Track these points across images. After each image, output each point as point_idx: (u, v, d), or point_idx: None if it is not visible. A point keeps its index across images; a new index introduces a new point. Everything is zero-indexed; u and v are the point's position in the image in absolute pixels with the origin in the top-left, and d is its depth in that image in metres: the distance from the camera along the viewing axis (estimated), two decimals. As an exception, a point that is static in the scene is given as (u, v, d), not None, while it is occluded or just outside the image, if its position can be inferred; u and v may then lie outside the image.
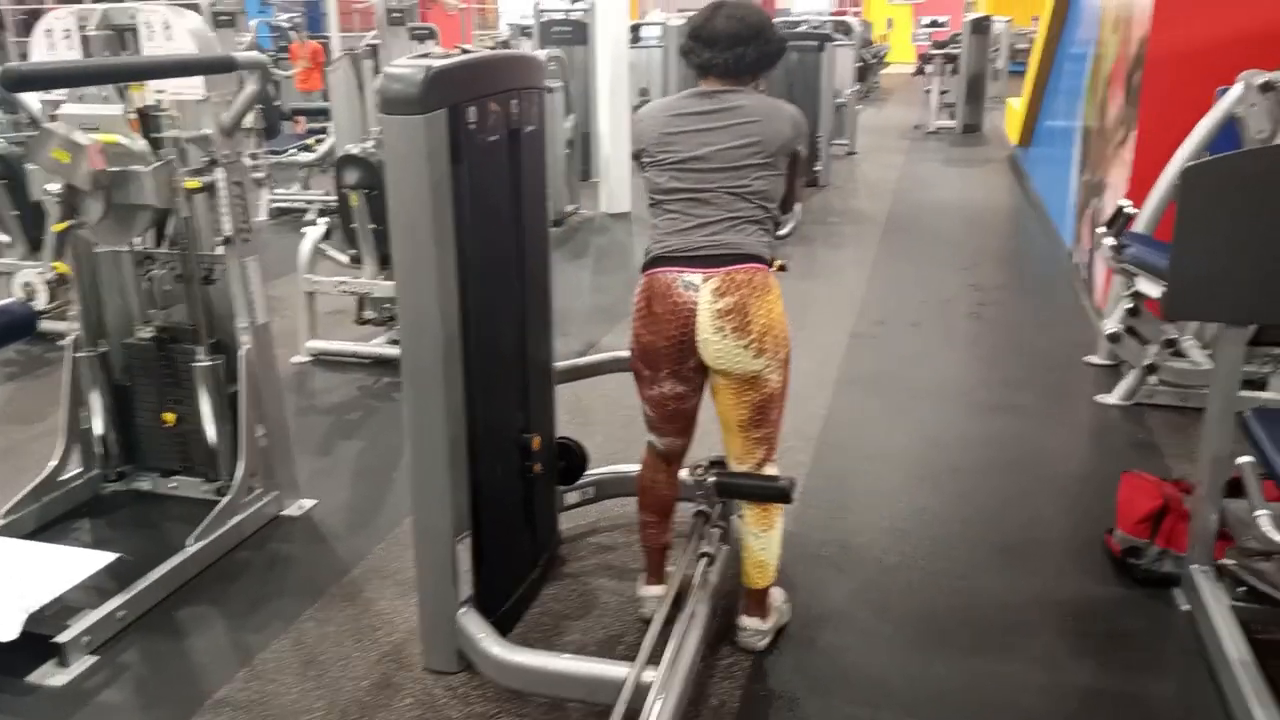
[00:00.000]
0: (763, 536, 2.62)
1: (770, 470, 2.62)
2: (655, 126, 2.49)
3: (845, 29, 12.02)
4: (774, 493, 2.56)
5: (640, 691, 2.20)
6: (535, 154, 2.65)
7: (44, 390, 4.51)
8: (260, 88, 2.96)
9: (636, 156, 2.59)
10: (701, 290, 2.39)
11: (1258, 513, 2.32)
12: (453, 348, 2.34)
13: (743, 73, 2.48)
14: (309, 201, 8.20)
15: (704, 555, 2.64)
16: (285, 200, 8.38)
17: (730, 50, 2.44)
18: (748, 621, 2.67)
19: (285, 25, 11.55)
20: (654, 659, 2.29)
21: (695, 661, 2.39)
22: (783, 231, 2.75)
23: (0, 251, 5.38)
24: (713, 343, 2.41)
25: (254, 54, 2.99)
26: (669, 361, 2.49)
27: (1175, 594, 2.85)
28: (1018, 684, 2.54)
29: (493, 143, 2.39)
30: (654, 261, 2.46)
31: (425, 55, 2.21)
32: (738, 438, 2.57)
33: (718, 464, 2.82)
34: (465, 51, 2.35)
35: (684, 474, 2.75)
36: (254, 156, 8.19)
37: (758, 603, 2.67)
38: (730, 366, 2.45)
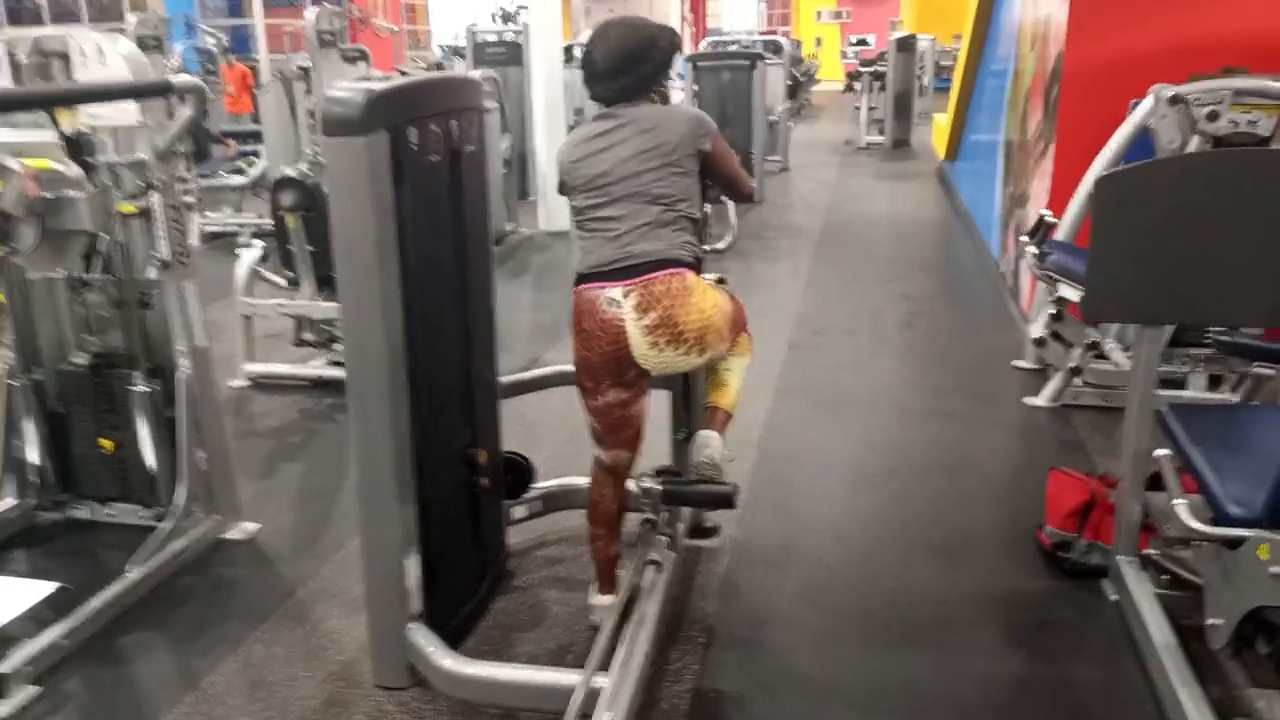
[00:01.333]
0: (729, 359, 2.78)
1: (745, 356, 2.84)
2: (567, 157, 2.62)
3: (776, 48, 12.26)
4: (717, 498, 2.64)
5: (591, 697, 2.24)
6: (476, 174, 2.69)
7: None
8: (196, 112, 2.96)
9: (561, 189, 2.70)
10: (624, 306, 2.47)
11: (1176, 503, 2.44)
12: (397, 366, 2.37)
13: (633, 96, 2.60)
14: (241, 225, 8.11)
15: (651, 563, 2.69)
16: (217, 224, 8.27)
17: (614, 81, 2.58)
18: (704, 431, 2.75)
19: (213, 49, 11.41)
20: (604, 665, 2.33)
21: (645, 665, 2.44)
22: (720, 246, 2.85)
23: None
24: (651, 356, 2.52)
25: (190, 78, 2.99)
26: (608, 374, 2.56)
27: (1104, 584, 2.97)
28: (954, 675, 2.63)
29: (434, 163, 2.43)
30: (579, 279, 2.56)
31: (365, 78, 2.24)
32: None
33: (664, 473, 2.88)
34: (404, 74, 2.38)
35: (631, 485, 2.81)
36: (184, 180, 8.11)
37: (715, 418, 2.79)
38: (677, 369, 2.60)
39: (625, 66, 2.57)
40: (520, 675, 2.44)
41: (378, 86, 2.18)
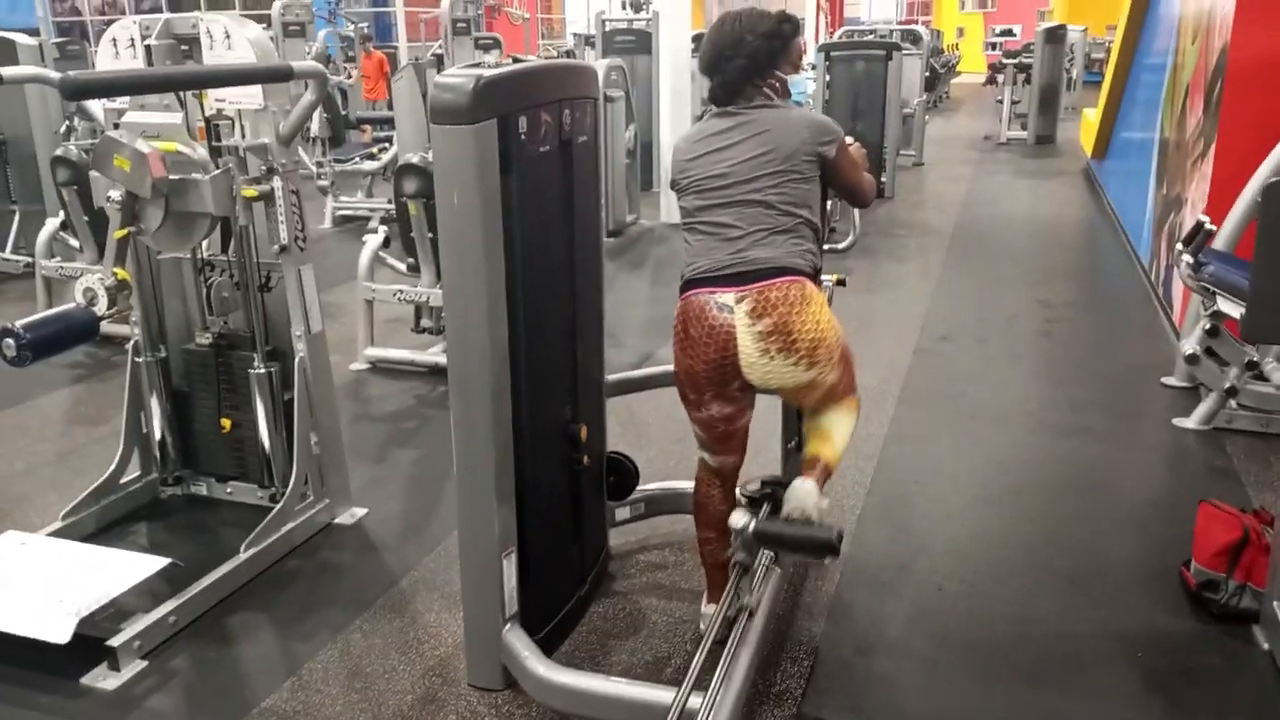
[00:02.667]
0: (834, 410, 2.54)
1: (852, 413, 2.58)
2: (681, 155, 2.52)
3: (914, 38, 11.87)
4: (818, 545, 2.32)
5: (686, 717, 2.13)
6: (588, 165, 2.61)
7: (108, 393, 4.60)
8: (318, 97, 2.97)
9: (673, 186, 2.60)
10: (736, 312, 2.34)
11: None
12: (501, 360, 2.31)
13: (742, 86, 2.47)
14: (372, 209, 8.29)
15: (743, 609, 2.46)
16: (349, 208, 8.49)
17: (716, 74, 2.48)
18: (801, 481, 2.44)
19: (353, 35, 11.71)
20: (702, 684, 2.22)
21: (745, 686, 2.32)
22: (841, 246, 2.69)
23: (71, 256, 5.52)
24: (759, 366, 2.37)
25: (312, 63, 3.00)
26: (711, 385, 2.43)
27: (1255, 631, 2.71)
28: (1082, 722, 2.43)
29: (544, 153, 2.36)
30: (687, 285, 2.44)
31: (476, 65, 2.18)
32: (809, 412, 2.59)
33: (772, 483, 2.75)
34: (517, 61, 2.31)
35: (738, 491, 2.69)
36: (319, 164, 8.35)
37: (813, 468, 2.50)
38: (783, 383, 2.42)
39: (724, 57, 2.45)
40: (612, 688, 2.35)
41: (487, 73, 2.12)
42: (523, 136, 2.24)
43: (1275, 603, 2.63)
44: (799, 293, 2.35)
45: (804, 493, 2.39)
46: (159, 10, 15.25)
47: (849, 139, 2.71)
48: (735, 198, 2.40)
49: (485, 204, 2.17)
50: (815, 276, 2.45)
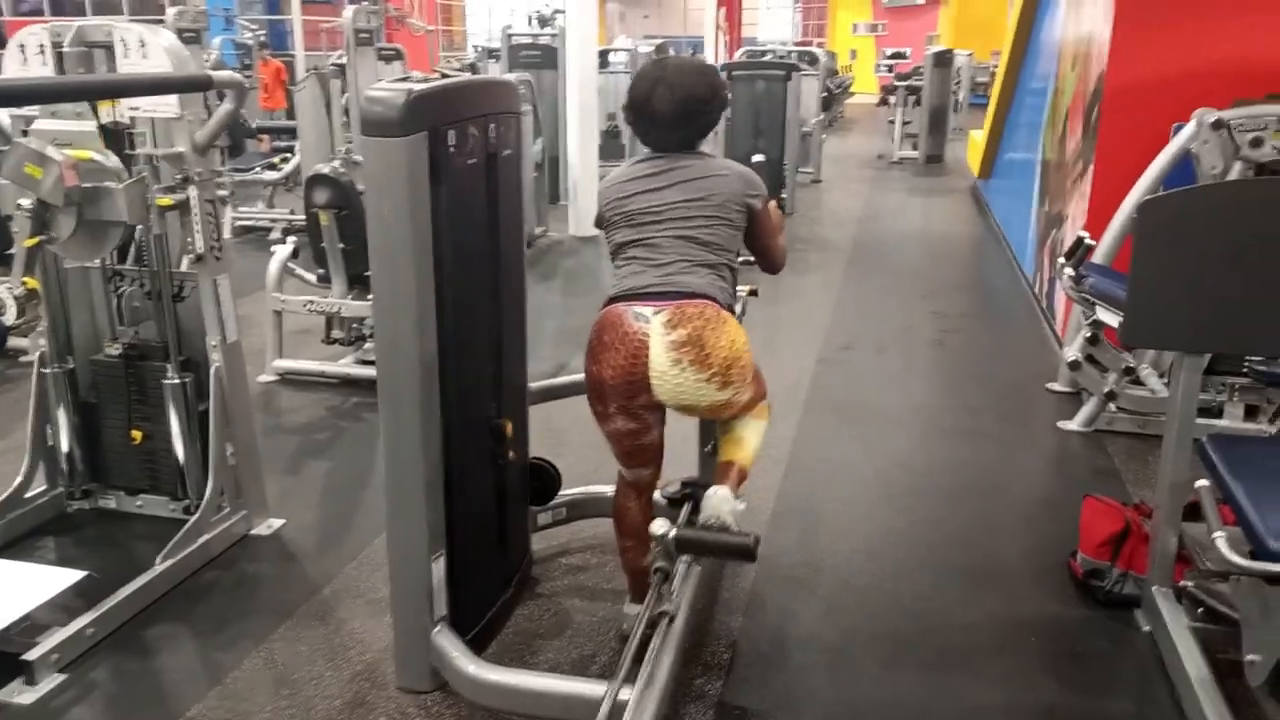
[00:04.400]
0: (746, 419, 2.62)
1: (763, 419, 2.68)
2: (611, 194, 2.59)
3: (811, 59, 12.23)
4: (736, 550, 2.39)
5: (617, 710, 2.21)
6: (511, 178, 2.68)
7: (8, 406, 4.45)
8: (236, 106, 2.97)
9: (599, 223, 2.67)
10: (652, 322, 2.40)
11: (1215, 535, 2.39)
12: (430, 368, 2.36)
13: (691, 145, 2.59)
14: (274, 220, 8.17)
15: (663, 614, 2.40)
16: (249, 218, 8.34)
17: (677, 130, 2.55)
18: (715, 489, 2.48)
19: (250, 43, 11.49)
20: (629, 678, 2.30)
21: (669, 680, 2.41)
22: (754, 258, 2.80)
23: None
24: (670, 377, 2.39)
25: (230, 73, 3.00)
26: (617, 396, 2.47)
27: (1137, 615, 2.92)
28: (981, 704, 2.59)
29: (471, 166, 2.42)
30: (609, 301, 2.52)
31: (405, 79, 2.23)
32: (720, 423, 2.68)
33: (691, 484, 2.86)
34: (444, 76, 2.38)
35: (658, 495, 2.79)
36: (218, 173, 8.19)
37: (728, 473, 2.56)
38: (695, 401, 2.44)
39: (692, 114, 2.53)
40: (543, 684, 2.42)
41: (418, 87, 2.17)
42: (451, 149, 2.30)
43: (1155, 588, 2.84)
44: (715, 313, 2.42)
45: (719, 499, 2.43)
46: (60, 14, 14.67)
47: (772, 202, 2.83)
48: (668, 231, 2.49)
49: (415, 215, 2.22)
50: (731, 311, 2.53)
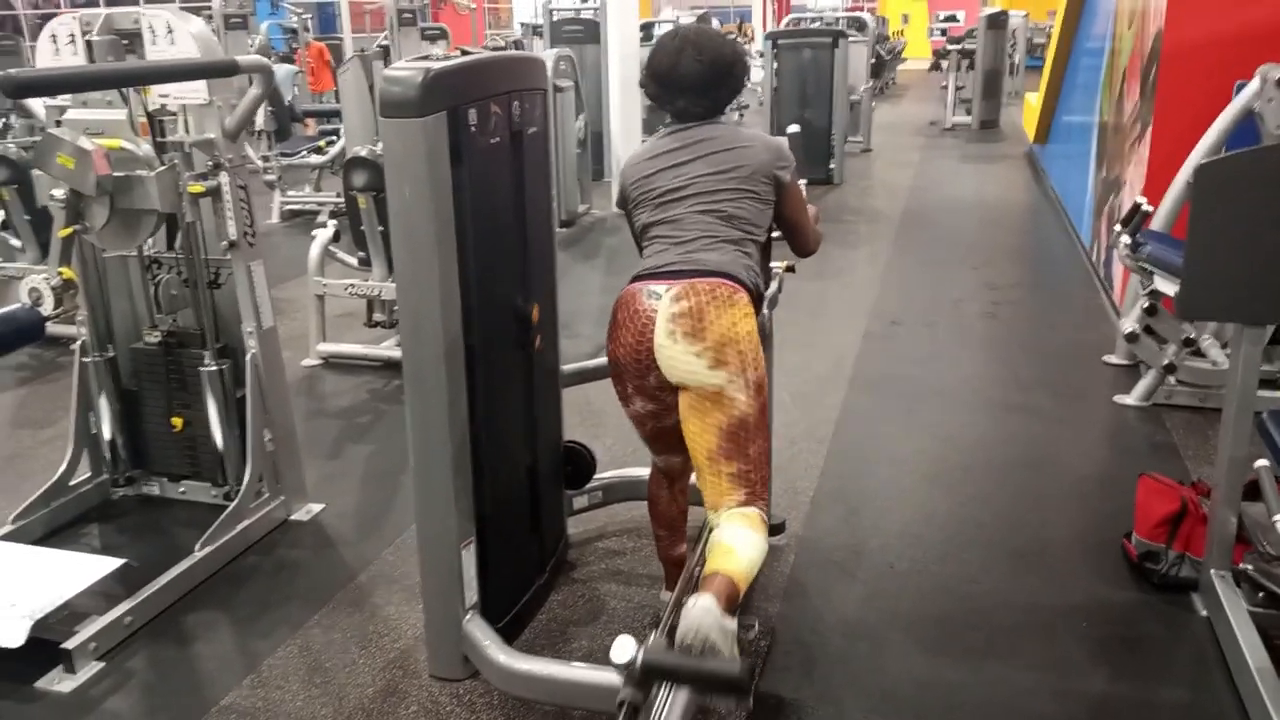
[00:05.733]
0: (737, 529, 2.19)
1: (756, 516, 2.22)
2: (634, 173, 2.51)
3: (859, 25, 11.98)
4: (722, 682, 1.88)
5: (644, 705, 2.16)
6: (538, 156, 2.62)
7: (54, 394, 4.52)
8: (264, 91, 2.95)
9: (621, 205, 2.59)
10: (663, 299, 2.30)
11: (1276, 517, 2.27)
12: (455, 352, 2.32)
13: (720, 110, 2.51)
14: (320, 203, 8.21)
15: None
16: (297, 202, 8.40)
17: (705, 96, 2.46)
18: (698, 598, 1.97)
19: (296, 27, 11.55)
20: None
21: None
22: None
23: (12, 256, 5.41)
24: (665, 349, 2.27)
25: (257, 57, 2.98)
26: (630, 375, 2.40)
27: (1194, 599, 2.80)
28: (1030, 691, 2.50)
29: (494, 145, 2.36)
30: (631, 280, 2.43)
31: (425, 57, 2.18)
32: (708, 475, 2.27)
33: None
34: (465, 53, 2.32)
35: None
36: (265, 159, 8.25)
37: (712, 582, 2.04)
38: (684, 377, 2.27)
39: (719, 80, 2.45)
40: (573, 673, 2.37)
41: (436, 66, 2.12)
42: (473, 128, 2.25)
43: (1213, 571, 2.72)
44: (727, 293, 2.28)
45: (701, 612, 1.93)
46: (95, 4, 14.91)
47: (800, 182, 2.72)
48: (693, 207, 2.40)
49: (436, 197, 2.18)
50: (755, 296, 2.38)
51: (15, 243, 5.38)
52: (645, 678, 1.87)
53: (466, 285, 2.31)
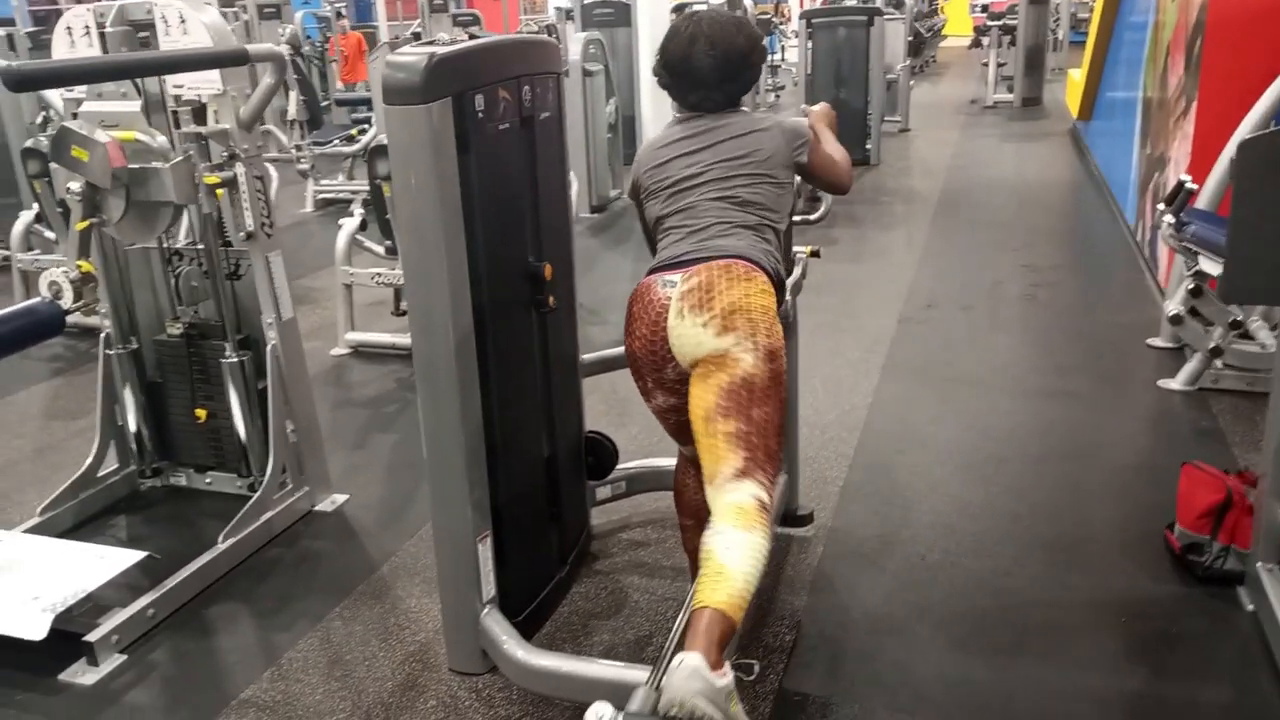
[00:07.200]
0: (730, 534, 1.93)
1: (760, 492, 2.00)
2: (646, 162, 2.43)
3: (897, 2, 11.76)
4: None
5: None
6: (552, 141, 2.56)
7: (87, 386, 4.52)
8: (277, 80, 2.91)
9: (634, 195, 2.51)
10: (677, 287, 2.21)
11: (1326, 510, 2.17)
12: (466, 344, 2.27)
13: (735, 103, 2.42)
14: (354, 192, 8.20)
15: None
16: (330, 191, 8.41)
17: (719, 89, 2.37)
18: (683, 658, 1.68)
19: (331, 15, 11.58)
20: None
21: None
22: (813, 217, 2.63)
23: (49, 248, 5.46)
24: (675, 330, 2.18)
25: (268, 46, 2.94)
26: (648, 369, 2.32)
27: (1239, 593, 2.69)
28: (1064, 691, 2.41)
29: (503, 131, 2.31)
30: (647, 272, 2.35)
31: (431, 42, 2.13)
32: (704, 439, 2.10)
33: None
34: (474, 38, 2.26)
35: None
36: (298, 148, 8.27)
37: (696, 628, 1.76)
38: (694, 351, 2.14)
39: (734, 72, 2.36)
40: (591, 669, 2.33)
41: (441, 51, 2.07)
42: (480, 114, 2.19)
43: (1259, 564, 2.61)
44: (742, 270, 2.18)
45: (685, 677, 1.65)
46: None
47: (816, 106, 2.67)
48: (707, 194, 2.31)
49: (443, 185, 2.12)
50: (775, 280, 2.27)
51: (50, 235, 5.43)
52: None
53: (477, 275, 2.26)
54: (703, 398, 2.11)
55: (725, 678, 1.69)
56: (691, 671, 1.65)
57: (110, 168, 2.78)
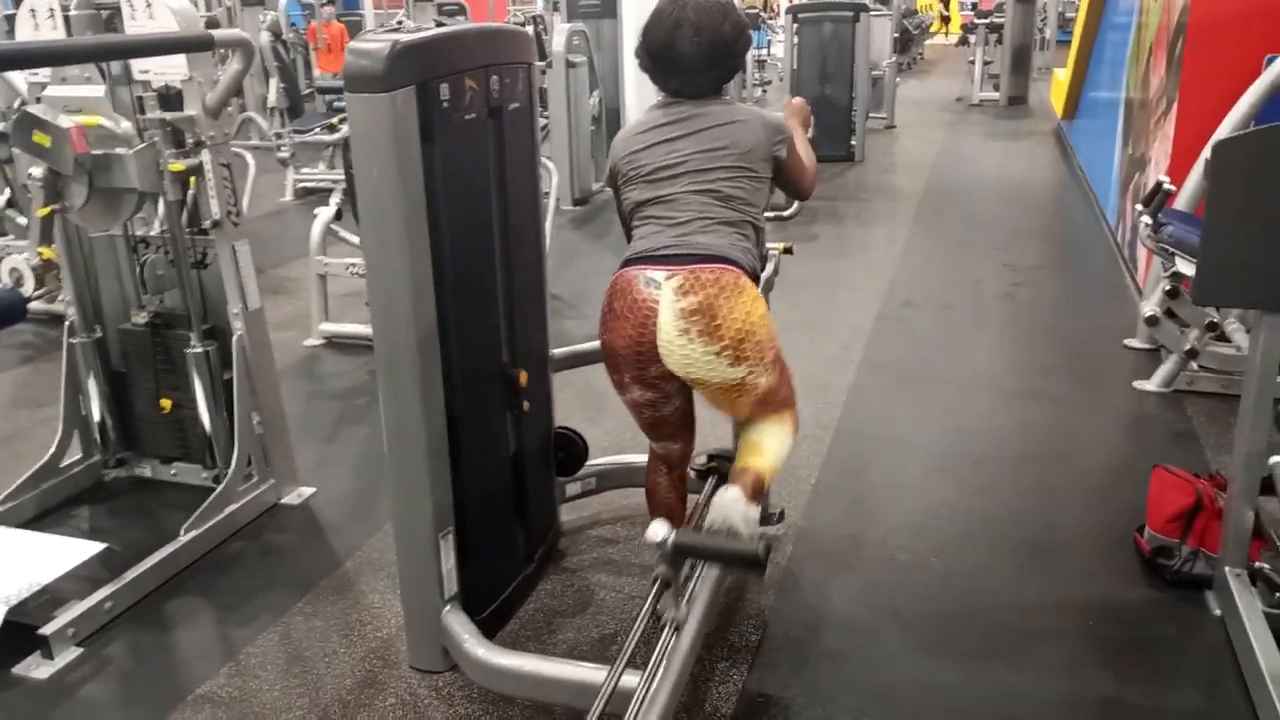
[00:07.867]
0: (766, 421, 2.37)
1: (788, 416, 2.41)
2: (624, 148, 2.39)
3: (884, -1, 11.73)
4: (742, 559, 2.12)
5: (625, 696, 2.08)
6: (521, 132, 2.52)
7: (55, 374, 4.44)
8: (245, 66, 2.86)
9: (610, 182, 2.48)
10: (663, 288, 2.19)
11: (1294, 515, 2.15)
12: (429, 338, 2.23)
13: (718, 90, 2.39)
14: (334, 181, 8.12)
15: (670, 622, 2.18)
16: (310, 180, 8.33)
17: (702, 76, 2.34)
18: (726, 489, 2.24)
19: (315, 2, 11.45)
20: (642, 661, 2.17)
21: (686, 665, 2.26)
22: (786, 213, 2.60)
23: (21, 233, 5.38)
24: (677, 346, 2.19)
25: (235, 31, 2.89)
26: (629, 366, 2.30)
27: (1208, 598, 2.68)
28: (1032, 695, 2.39)
29: (470, 121, 2.26)
30: (623, 264, 2.31)
31: (395, 29, 2.08)
32: (731, 411, 2.46)
33: (718, 457, 2.70)
34: (441, 25, 2.21)
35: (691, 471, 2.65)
36: (278, 136, 8.19)
37: (742, 477, 2.28)
38: (704, 375, 2.23)
39: (718, 58, 2.32)
40: (552, 669, 2.30)
41: (405, 38, 2.02)
42: (445, 104, 2.15)
43: (1228, 569, 2.60)
44: (732, 280, 2.19)
45: (729, 501, 2.18)
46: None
47: (795, 99, 2.65)
48: (686, 186, 2.28)
49: (405, 175, 2.08)
50: (753, 277, 2.29)
51: (22, 221, 5.34)
52: (676, 555, 2.06)
53: (440, 268, 2.22)
54: (735, 410, 2.40)
55: (756, 509, 2.21)
56: (734, 499, 2.18)
57: (73, 154, 2.72)
